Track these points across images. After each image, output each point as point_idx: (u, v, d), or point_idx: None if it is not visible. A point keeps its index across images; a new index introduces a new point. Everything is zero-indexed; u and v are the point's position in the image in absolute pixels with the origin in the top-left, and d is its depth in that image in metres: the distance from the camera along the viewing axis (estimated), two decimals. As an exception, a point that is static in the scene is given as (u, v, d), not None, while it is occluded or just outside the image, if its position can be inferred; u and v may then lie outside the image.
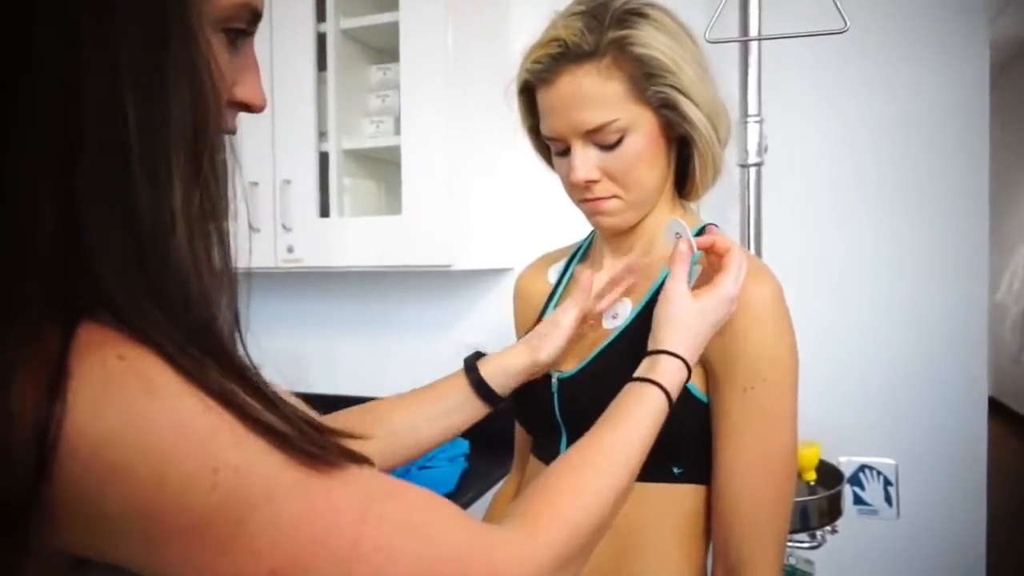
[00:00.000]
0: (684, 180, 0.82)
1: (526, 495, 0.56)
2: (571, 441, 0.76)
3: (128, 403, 0.34)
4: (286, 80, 1.63)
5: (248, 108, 0.47)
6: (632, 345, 0.76)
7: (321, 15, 1.63)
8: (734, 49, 1.44)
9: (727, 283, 0.69)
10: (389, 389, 2.01)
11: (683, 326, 0.68)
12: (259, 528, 0.36)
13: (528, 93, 0.79)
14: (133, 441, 0.33)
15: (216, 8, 0.41)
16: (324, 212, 1.65)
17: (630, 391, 0.66)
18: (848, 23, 1.21)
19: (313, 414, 0.52)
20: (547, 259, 0.98)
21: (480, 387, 0.78)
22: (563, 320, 0.79)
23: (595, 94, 0.71)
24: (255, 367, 0.42)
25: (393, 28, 1.55)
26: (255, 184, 1.67)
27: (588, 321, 0.83)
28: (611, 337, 0.78)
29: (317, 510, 0.38)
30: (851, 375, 1.53)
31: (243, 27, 0.44)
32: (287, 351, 2.07)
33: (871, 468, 1.28)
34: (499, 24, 1.74)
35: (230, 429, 0.36)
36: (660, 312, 0.70)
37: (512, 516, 0.53)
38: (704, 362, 0.73)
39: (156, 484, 0.33)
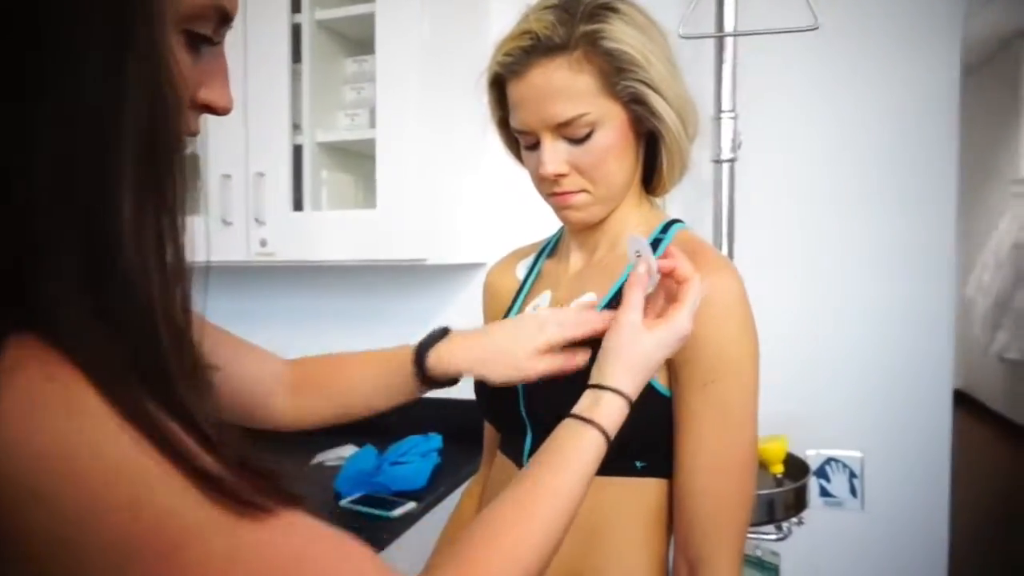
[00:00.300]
0: (651, 175, 0.82)
1: (459, 548, 0.53)
2: (536, 439, 0.78)
3: (52, 430, 0.32)
4: (260, 72, 1.61)
5: (213, 111, 0.46)
6: (596, 343, 0.76)
7: (296, 6, 1.61)
8: (709, 45, 1.45)
9: (681, 318, 0.66)
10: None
11: (631, 363, 0.65)
12: (183, 570, 0.34)
13: (499, 86, 0.79)
14: (57, 469, 0.32)
15: (182, 7, 0.40)
16: (298, 206, 1.64)
17: (571, 432, 0.63)
18: (819, 21, 1.22)
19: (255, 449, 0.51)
20: (516, 255, 0.98)
21: (422, 376, 0.79)
22: (524, 364, 0.73)
23: (565, 87, 0.72)
24: (206, 386, 0.41)
25: (369, 19, 1.53)
26: (228, 177, 1.65)
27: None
28: None
29: (244, 556, 0.36)
30: (820, 369, 1.55)
31: (208, 33, 0.43)
32: (261, 346, 2.04)
33: (837, 461, 1.30)
34: (476, 17, 1.73)
35: (158, 468, 0.34)
36: (610, 343, 0.67)
37: (444, 569, 0.51)
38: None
39: (78, 516, 0.32)
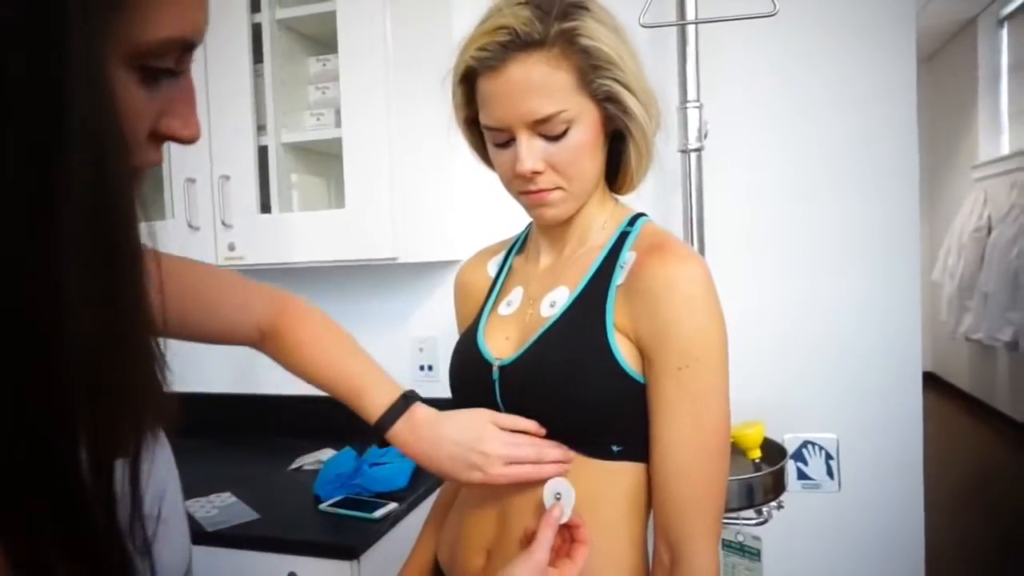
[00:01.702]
0: (614, 172, 0.83)
1: None
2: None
3: None
4: (221, 73, 1.58)
5: (176, 140, 0.42)
6: (569, 330, 0.78)
7: (256, 5, 1.58)
8: (671, 35, 1.46)
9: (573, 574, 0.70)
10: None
11: None
12: None
13: (468, 82, 0.78)
14: None
15: (134, 44, 0.36)
16: (265, 208, 1.62)
17: None
18: (777, 7, 1.23)
19: None
20: (486, 253, 0.99)
21: (376, 435, 0.81)
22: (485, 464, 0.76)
23: (544, 83, 0.71)
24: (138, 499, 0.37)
25: (330, 17, 1.51)
26: (192, 181, 1.62)
27: (528, 309, 0.84)
28: (548, 324, 0.79)
29: None
30: (793, 355, 1.57)
31: (169, 66, 0.39)
32: (235, 351, 2.01)
33: (813, 444, 1.32)
34: (439, 12, 1.72)
35: None
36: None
37: None
38: (638, 343, 0.75)
39: None
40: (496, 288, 0.91)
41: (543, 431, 0.76)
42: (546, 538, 0.70)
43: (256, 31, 1.59)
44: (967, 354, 5.28)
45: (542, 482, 0.75)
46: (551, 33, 0.71)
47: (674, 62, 1.45)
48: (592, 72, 0.72)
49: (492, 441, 0.75)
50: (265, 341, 0.86)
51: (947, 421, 5.00)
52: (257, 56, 1.60)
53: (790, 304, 1.58)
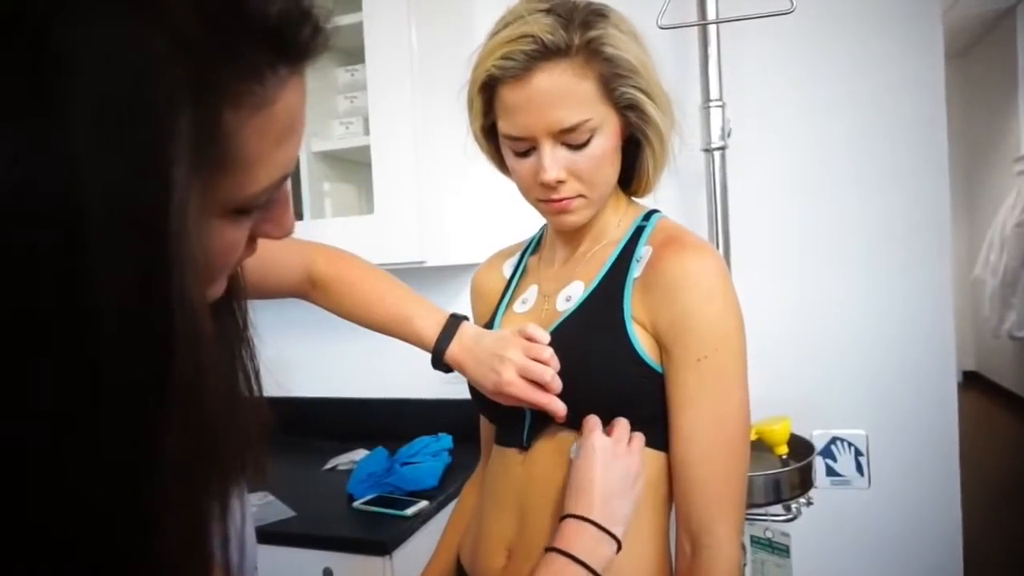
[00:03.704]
0: (628, 173, 0.84)
1: None
2: (535, 422, 0.81)
3: None
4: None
5: (267, 238, 0.43)
6: (584, 324, 0.79)
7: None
8: (691, 36, 1.47)
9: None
10: (373, 389, 2.03)
11: (607, 492, 0.71)
12: None
13: (487, 91, 0.77)
14: None
15: (235, 200, 0.35)
16: (298, 215, 1.66)
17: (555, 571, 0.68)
18: (794, 4, 1.24)
19: None
20: (501, 255, 1.01)
21: (435, 358, 0.85)
22: (504, 376, 0.78)
23: (571, 92, 0.72)
24: None
25: (358, 29, 1.56)
26: (228, 190, 1.67)
27: (543, 306, 0.86)
28: (563, 317, 0.81)
29: None
30: (821, 352, 1.56)
31: (266, 200, 0.38)
32: (267, 357, 2.06)
33: (842, 439, 1.31)
34: (462, 20, 1.75)
35: None
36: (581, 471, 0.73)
37: None
38: (655, 335, 0.76)
39: None
40: (511, 288, 0.93)
41: (558, 365, 0.77)
42: (593, 420, 0.75)
43: (287, 44, 1.63)
44: (1011, 352, 5.12)
45: (563, 482, 0.76)
46: (576, 42, 0.71)
47: (695, 62, 1.46)
48: (615, 80, 0.73)
49: (513, 351, 0.77)
50: (315, 288, 0.90)
51: (990, 420, 4.85)
52: (288, 68, 1.64)
53: (818, 300, 1.57)
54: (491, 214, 1.80)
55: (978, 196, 5.67)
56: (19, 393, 0.27)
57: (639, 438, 0.75)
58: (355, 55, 1.69)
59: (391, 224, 1.54)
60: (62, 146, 0.26)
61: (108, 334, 0.28)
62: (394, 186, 1.54)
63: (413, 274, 1.92)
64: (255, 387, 0.49)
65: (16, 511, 0.28)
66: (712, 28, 1.41)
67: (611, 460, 0.72)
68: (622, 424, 0.75)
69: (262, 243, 0.87)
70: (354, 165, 1.79)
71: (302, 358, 2.04)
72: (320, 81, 1.69)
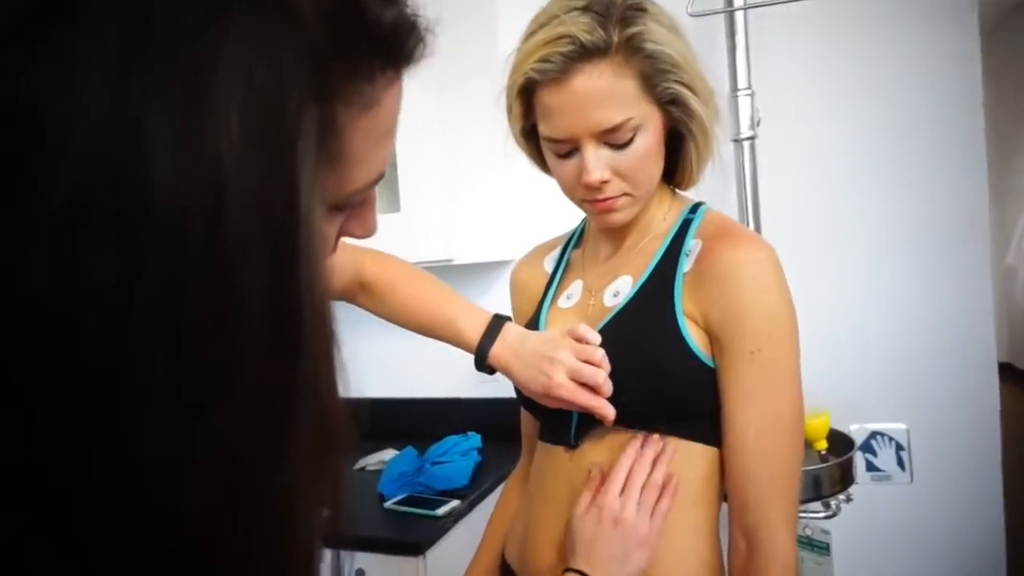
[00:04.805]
0: (671, 168, 0.83)
1: None
2: (582, 421, 0.79)
3: None
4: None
5: (352, 237, 0.44)
6: (635, 321, 0.78)
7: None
8: (719, 22, 1.44)
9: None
10: (402, 388, 2.03)
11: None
12: None
13: (526, 94, 0.75)
14: None
15: (335, 197, 0.36)
16: (323, 215, 1.66)
17: None
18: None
19: None
20: (542, 249, 0.99)
21: (478, 359, 0.84)
22: (554, 378, 0.76)
23: (612, 92, 0.70)
24: None
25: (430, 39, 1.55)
26: (253, 192, 1.68)
27: (590, 301, 0.84)
28: (612, 313, 0.80)
29: None
30: (858, 345, 1.53)
31: (357, 201, 0.40)
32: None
33: (882, 434, 1.28)
34: (487, 18, 1.74)
35: None
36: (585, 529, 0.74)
37: None
38: (707, 329, 0.75)
39: None
40: (554, 283, 0.92)
41: (608, 367, 0.75)
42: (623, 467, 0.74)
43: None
44: (1045, 342, 5.01)
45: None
46: (615, 40, 0.69)
47: (723, 50, 1.43)
48: (657, 76, 0.71)
49: (564, 352, 0.75)
50: (363, 291, 0.91)
51: (1026, 412, 4.75)
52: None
53: (854, 292, 1.53)
54: (517, 210, 1.79)
55: (1007, 180, 5.55)
56: (153, 387, 0.27)
57: (649, 494, 0.74)
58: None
59: (417, 222, 1.54)
60: (208, 143, 0.27)
61: (249, 329, 0.28)
62: (419, 184, 1.53)
63: (440, 272, 1.89)
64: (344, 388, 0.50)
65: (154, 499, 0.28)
66: (740, 14, 1.38)
67: (611, 529, 0.72)
68: (636, 483, 0.74)
69: None
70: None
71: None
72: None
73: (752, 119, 1.39)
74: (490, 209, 1.71)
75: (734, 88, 1.40)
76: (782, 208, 1.54)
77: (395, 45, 0.36)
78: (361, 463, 1.75)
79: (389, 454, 1.74)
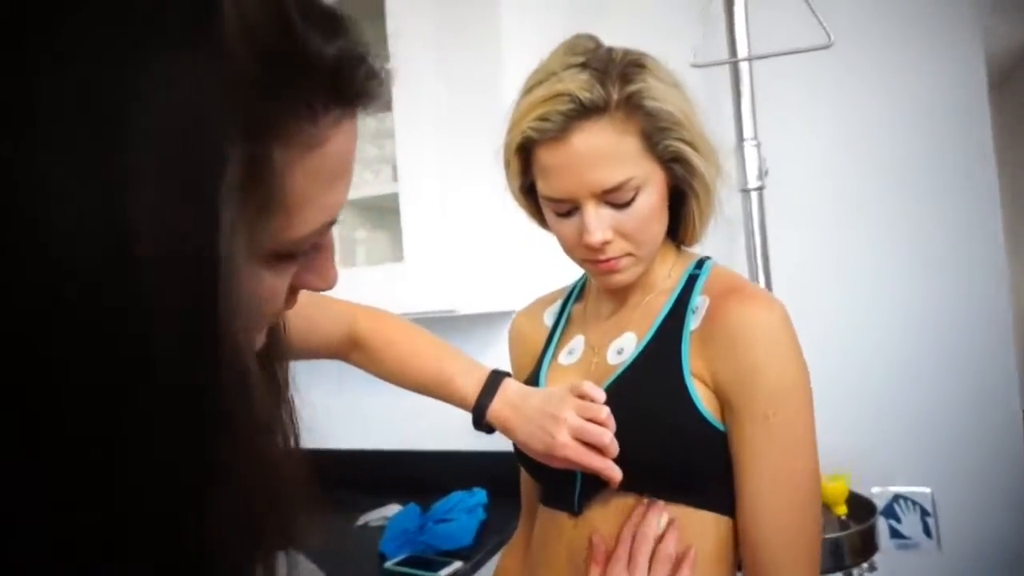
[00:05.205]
0: (676, 222, 0.81)
1: None
2: (587, 485, 0.76)
3: None
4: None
5: (310, 289, 0.42)
6: (640, 380, 0.75)
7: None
8: (725, 74, 1.43)
9: None
10: (406, 440, 1.98)
11: None
12: None
13: (524, 151, 0.75)
14: None
15: (277, 245, 0.34)
16: (327, 264, 1.65)
17: None
18: (832, 38, 1.19)
19: None
20: (541, 302, 0.97)
21: (476, 417, 0.80)
22: (557, 437, 0.73)
23: (612, 152, 0.69)
24: None
25: (386, 75, 1.55)
26: (258, 242, 1.67)
27: (592, 358, 0.81)
28: (617, 373, 0.77)
29: None
30: (874, 399, 1.47)
31: (310, 247, 0.38)
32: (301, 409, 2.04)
33: (905, 498, 1.22)
34: (490, 67, 1.74)
35: None
36: None
37: None
38: (717, 390, 0.72)
39: None
40: (555, 338, 0.89)
41: (614, 425, 0.71)
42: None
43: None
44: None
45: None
46: (614, 98, 0.68)
47: (728, 100, 1.42)
48: (658, 134, 0.70)
49: (568, 411, 0.72)
50: (356, 348, 0.88)
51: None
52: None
53: (870, 346, 1.48)
54: (523, 260, 1.77)
55: (1021, 226, 5.47)
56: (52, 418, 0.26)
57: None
58: (384, 102, 1.70)
59: (421, 272, 1.52)
60: (114, 166, 0.26)
61: (161, 389, 0.27)
62: (423, 233, 1.52)
63: (444, 323, 1.88)
64: (295, 447, 0.48)
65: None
66: (744, 65, 1.37)
67: None
68: (642, 555, 0.69)
69: (306, 300, 0.85)
70: (384, 212, 1.78)
71: (331, 408, 2.01)
72: (349, 130, 1.70)
73: (760, 169, 1.37)
74: (494, 259, 1.69)
75: (740, 138, 1.38)
76: (792, 260, 1.51)
77: (340, 82, 0.35)
78: (363, 519, 1.70)
79: (393, 509, 1.69)
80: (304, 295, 0.90)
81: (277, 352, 0.47)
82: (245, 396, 0.31)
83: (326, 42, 0.33)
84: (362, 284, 1.59)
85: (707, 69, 1.35)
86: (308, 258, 0.39)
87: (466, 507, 1.57)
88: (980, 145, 1.42)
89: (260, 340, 0.41)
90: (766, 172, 1.38)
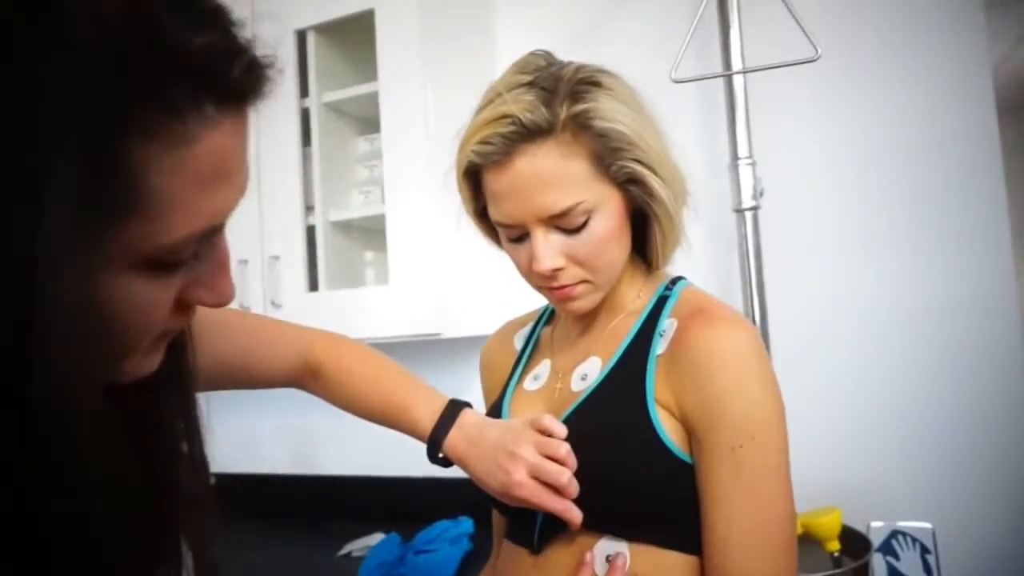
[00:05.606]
0: (643, 243, 0.77)
1: None
2: (547, 523, 0.72)
3: None
4: (272, 157, 1.63)
5: (203, 305, 0.40)
6: (604, 405, 0.71)
7: (304, 90, 1.64)
8: (719, 89, 1.40)
9: None
10: (392, 465, 1.93)
11: None
12: None
13: (473, 175, 0.73)
14: None
15: (144, 250, 0.32)
16: (313, 286, 1.62)
17: None
18: (819, 51, 1.16)
19: None
20: (512, 325, 0.94)
21: (431, 450, 0.76)
22: (513, 475, 0.69)
23: (557, 175, 0.66)
24: None
25: (374, 98, 1.54)
26: (244, 262, 1.65)
27: (556, 384, 0.78)
28: (581, 398, 0.73)
29: None
30: (873, 431, 1.39)
31: (189, 256, 0.36)
32: (285, 430, 2.01)
33: (904, 534, 1.15)
34: (480, 90, 1.73)
35: None
36: None
37: None
38: (683, 419, 0.67)
39: None
40: (522, 362, 0.86)
41: (575, 464, 0.67)
42: None
43: (305, 115, 1.64)
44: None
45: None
46: (560, 118, 0.65)
47: (723, 117, 1.38)
48: (610, 156, 0.67)
49: (525, 447, 0.68)
50: (312, 376, 0.83)
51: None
52: (306, 139, 1.64)
53: (868, 374, 1.41)
54: (510, 283, 1.73)
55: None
56: None
57: None
58: (373, 123, 1.68)
59: (406, 295, 1.49)
60: None
61: None
62: (410, 256, 1.49)
63: (430, 346, 1.85)
64: (198, 474, 0.45)
65: None
66: (739, 82, 1.34)
67: None
68: None
69: (250, 326, 0.81)
70: (372, 234, 1.76)
71: (318, 432, 1.97)
72: (338, 149, 1.69)
73: (755, 188, 1.33)
74: (481, 282, 1.66)
75: (734, 157, 1.34)
76: (788, 282, 1.46)
77: (211, 75, 0.32)
78: (347, 548, 1.65)
79: (376, 538, 1.64)
80: (257, 320, 0.86)
81: (181, 373, 0.44)
82: (74, 411, 0.28)
83: (194, 31, 0.31)
84: (351, 306, 1.57)
85: (702, 88, 1.32)
86: (198, 271, 0.37)
87: (450, 537, 1.51)
88: (988, 165, 1.37)
89: (151, 362, 0.38)
90: (762, 192, 1.34)
